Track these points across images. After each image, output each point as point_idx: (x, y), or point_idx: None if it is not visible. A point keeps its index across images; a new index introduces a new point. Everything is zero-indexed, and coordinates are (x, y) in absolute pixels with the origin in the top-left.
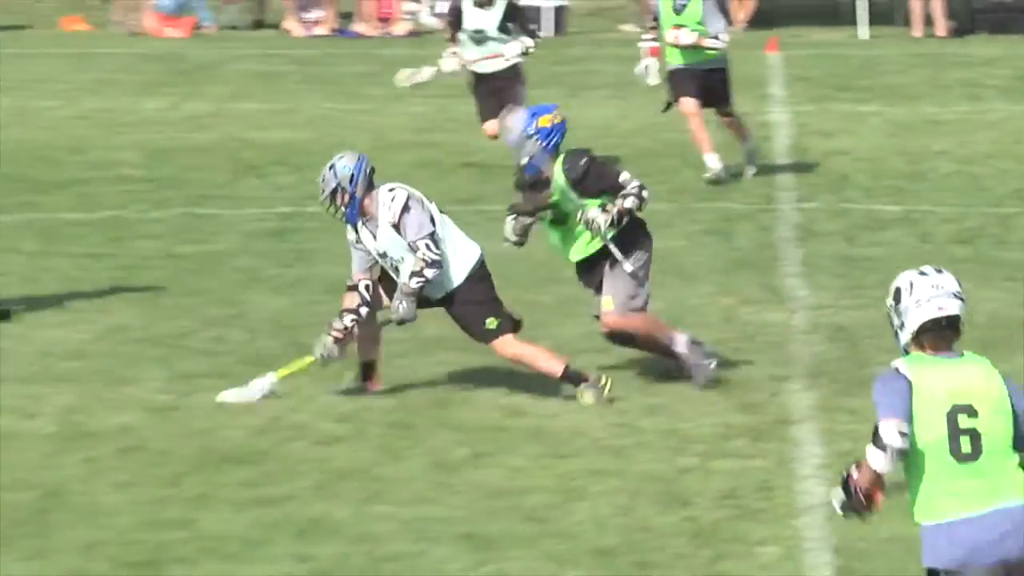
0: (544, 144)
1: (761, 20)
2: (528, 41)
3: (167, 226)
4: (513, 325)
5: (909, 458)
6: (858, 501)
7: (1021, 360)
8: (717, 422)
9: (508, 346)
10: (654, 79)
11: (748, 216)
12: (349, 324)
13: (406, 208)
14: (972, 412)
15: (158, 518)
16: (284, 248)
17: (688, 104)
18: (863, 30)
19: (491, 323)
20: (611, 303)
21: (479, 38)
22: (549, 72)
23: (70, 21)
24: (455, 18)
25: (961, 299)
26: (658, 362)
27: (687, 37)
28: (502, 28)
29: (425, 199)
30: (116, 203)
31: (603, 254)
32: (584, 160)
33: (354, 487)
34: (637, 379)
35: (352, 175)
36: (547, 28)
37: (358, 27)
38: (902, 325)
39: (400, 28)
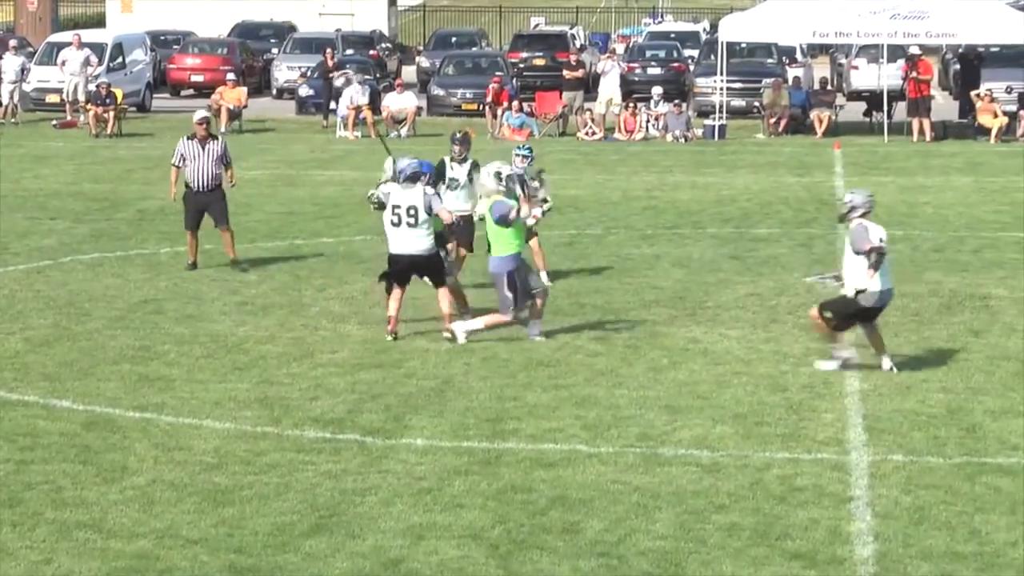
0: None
1: (832, 132)
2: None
3: None
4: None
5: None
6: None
7: None
8: (802, 348)
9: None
10: None
11: (822, 236)
12: None
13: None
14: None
15: (503, 394)
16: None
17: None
18: (885, 138)
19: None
20: None
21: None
22: (716, 159)
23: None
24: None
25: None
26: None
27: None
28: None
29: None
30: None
31: None
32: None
33: None
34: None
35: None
36: (713, 136)
37: (616, 135)
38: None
39: (638, 136)
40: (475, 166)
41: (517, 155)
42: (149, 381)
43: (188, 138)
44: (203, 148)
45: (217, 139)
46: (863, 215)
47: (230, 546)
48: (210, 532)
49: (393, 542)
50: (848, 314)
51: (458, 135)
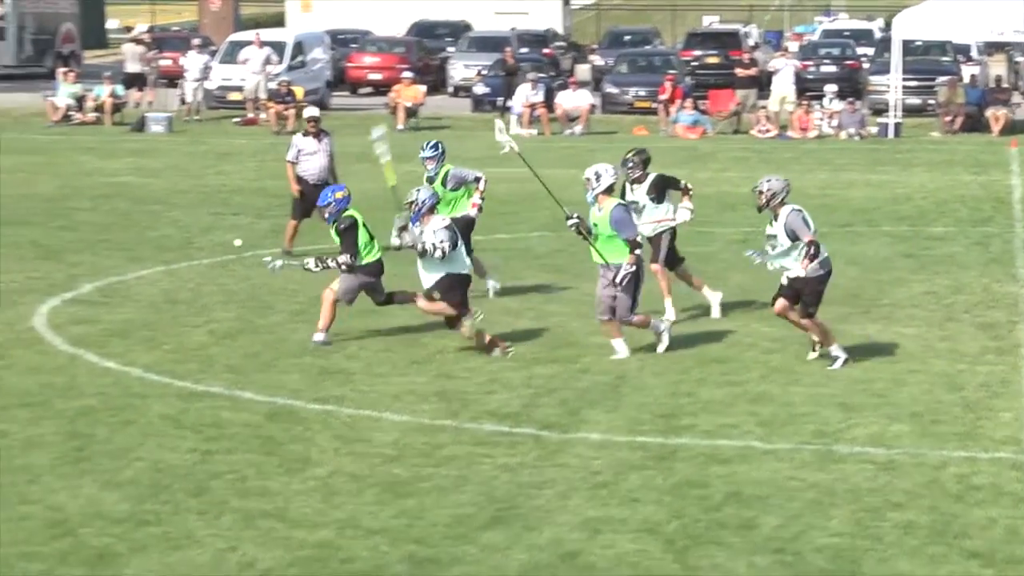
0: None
1: (1009, 130)
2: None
3: None
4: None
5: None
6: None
7: None
8: (979, 346)
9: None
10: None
11: (999, 235)
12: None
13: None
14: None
15: (677, 390)
16: None
17: None
18: None
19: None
20: None
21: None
22: (891, 157)
23: (638, 129)
24: None
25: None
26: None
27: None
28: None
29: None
30: None
31: None
32: (344, 225)
33: None
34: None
35: (425, 201)
36: (888, 134)
37: (790, 133)
38: (600, 186)
39: (812, 134)
40: (655, 182)
41: (422, 157)
42: (330, 374)
43: (304, 134)
44: (319, 142)
45: (329, 134)
46: (784, 201)
47: (410, 537)
48: (390, 523)
49: (570, 535)
50: (819, 297)
51: (634, 157)
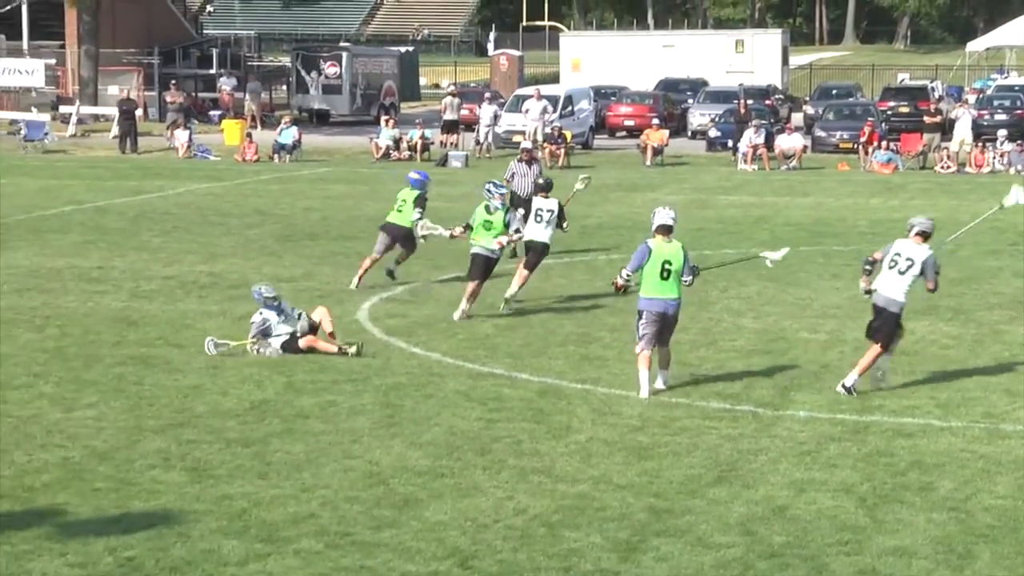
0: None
1: None
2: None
3: None
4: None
5: (645, 275)
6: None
7: None
8: None
9: None
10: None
11: None
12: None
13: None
14: (670, 263)
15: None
16: None
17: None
18: None
19: None
20: None
21: None
22: None
23: (842, 165)
24: None
25: (674, 219)
26: None
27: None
28: None
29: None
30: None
31: None
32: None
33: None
34: None
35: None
36: None
37: (968, 169)
38: (652, 224)
39: (985, 170)
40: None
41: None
42: (588, 360)
43: (518, 160)
44: (529, 168)
45: (537, 161)
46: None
47: (650, 491)
48: (635, 480)
49: (780, 493)
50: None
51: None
